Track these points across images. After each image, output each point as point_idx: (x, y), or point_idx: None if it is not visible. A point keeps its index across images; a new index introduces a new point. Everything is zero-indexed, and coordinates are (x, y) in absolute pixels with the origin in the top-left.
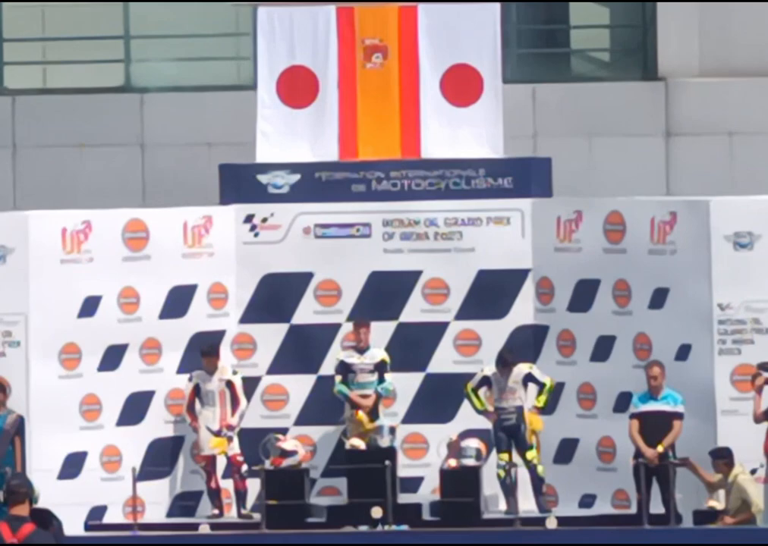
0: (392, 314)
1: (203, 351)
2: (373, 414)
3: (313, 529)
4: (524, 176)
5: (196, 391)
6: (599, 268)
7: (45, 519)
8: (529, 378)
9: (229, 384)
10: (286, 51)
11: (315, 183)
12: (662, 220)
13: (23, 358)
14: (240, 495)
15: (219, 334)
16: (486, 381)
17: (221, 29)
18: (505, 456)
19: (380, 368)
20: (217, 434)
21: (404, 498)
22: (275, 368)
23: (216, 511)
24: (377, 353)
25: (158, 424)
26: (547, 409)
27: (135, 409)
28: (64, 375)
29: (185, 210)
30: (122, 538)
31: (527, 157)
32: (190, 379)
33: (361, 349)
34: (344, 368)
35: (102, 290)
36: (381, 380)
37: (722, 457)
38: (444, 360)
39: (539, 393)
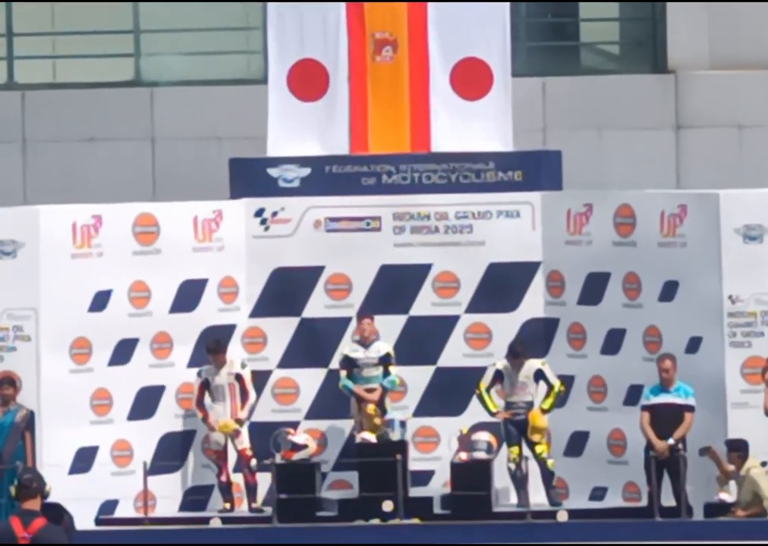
0: (403, 307)
1: (208, 348)
2: (380, 408)
3: (324, 523)
4: (533, 169)
5: (206, 386)
6: (610, 261)
7: (57, 514)
8: (540, 375)
9: (238, 378)
10: (296, 44)
11: (325, 176)
12: (672, 213)
13: (33, 352)
14: (251, 489)
15: (230, 328)
16: (498, 375)
17: (231, 23)
18: (516, 449)
19: (385, 361)
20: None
21: (415, 492)
22: (285, 362)
23: (227, 505)
24: (382, 346)
25: (168, 418)
26: (558, 402)
27: (146, 403)
28: (75, 370)
29: (195, 204)
30: (133, 533)
31: (536, 150)
32: (198, 375)
33: (366, 343)
34: (348, 363)
35: (112, 285)
36: (386, 373)
37: (738, 449)
38: (454, 353)
39: (547, 395)
